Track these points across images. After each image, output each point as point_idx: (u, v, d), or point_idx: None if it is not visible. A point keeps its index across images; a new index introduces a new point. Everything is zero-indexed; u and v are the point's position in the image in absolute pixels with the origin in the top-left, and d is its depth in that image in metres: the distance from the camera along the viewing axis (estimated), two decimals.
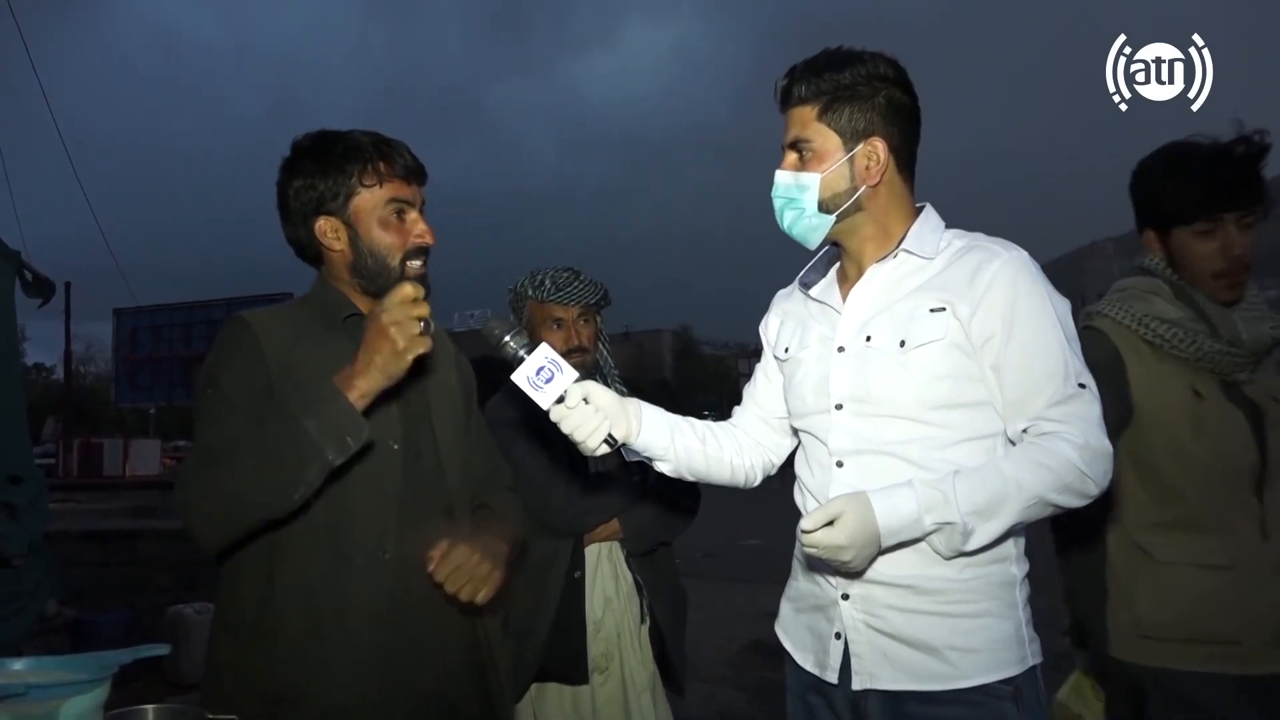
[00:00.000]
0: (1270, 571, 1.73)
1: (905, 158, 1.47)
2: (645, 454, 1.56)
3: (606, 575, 2.31)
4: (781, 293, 1.70)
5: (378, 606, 1.47)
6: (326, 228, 1.57)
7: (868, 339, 1.43)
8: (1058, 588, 1.94)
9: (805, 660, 1.50)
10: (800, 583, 1.55)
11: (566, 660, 2.22)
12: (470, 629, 1.61)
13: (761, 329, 1.71)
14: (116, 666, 1.15)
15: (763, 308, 1.72)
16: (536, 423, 2.10)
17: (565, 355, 1.59)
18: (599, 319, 2.40)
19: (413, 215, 1.58)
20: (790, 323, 1.62)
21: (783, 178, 1.48)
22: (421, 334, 1.38)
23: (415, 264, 1.57)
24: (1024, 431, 1.36)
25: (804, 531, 1.28)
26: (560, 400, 1.47)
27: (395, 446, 1.52)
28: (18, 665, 1.16)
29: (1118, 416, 1.77)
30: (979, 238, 1.45)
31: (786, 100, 1.48)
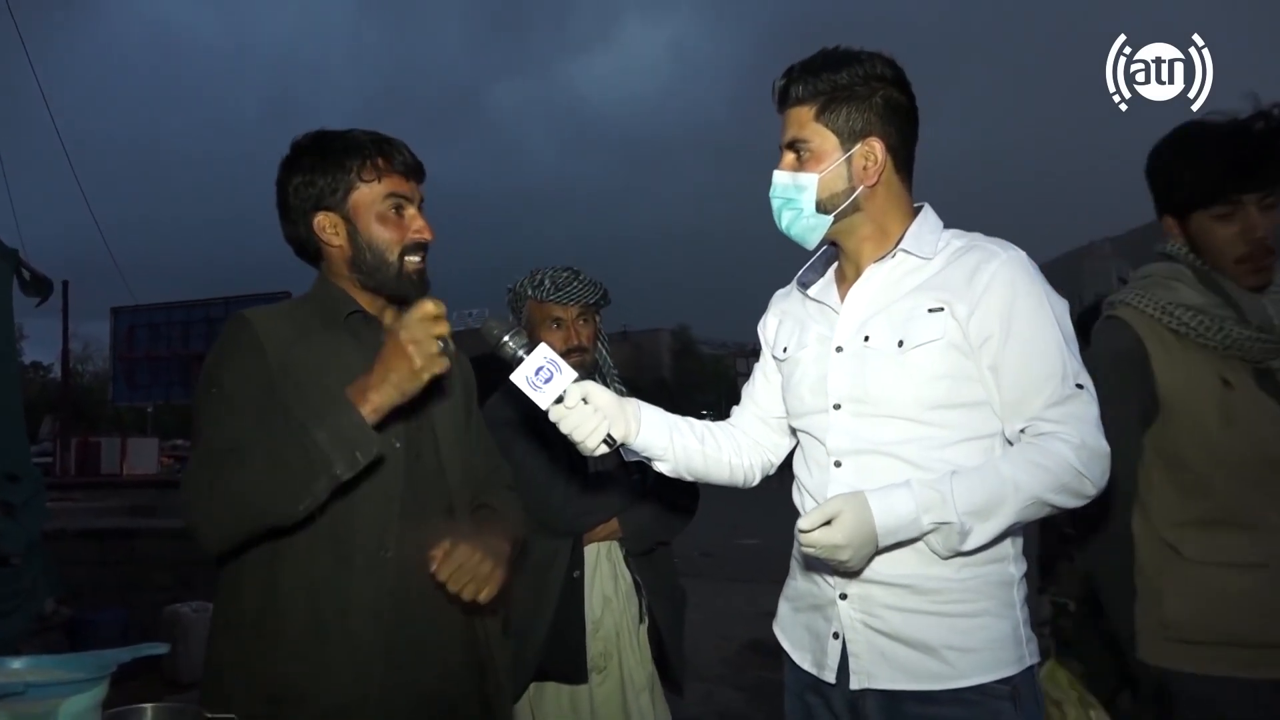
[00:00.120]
0: None
1: (903, 158, 1.47)
2: (644, 454, 1.57)
3: (605, 575, 2.31)
4: (780, 292, 1.70)
5: (379, 606, 1.47)
6: (325, 223, 1.57)
7: (866, 339, 1.43)
8: (1034, 579, 1.92)
9: (803, 660, 1.50)
10: (798, 582, 1.55)
11: (565, 659, 2.22)
12: (469, 628, 1.61)
13: (760, 329, 1.71)
14: (115, 665, 1.15)
15: (761, 307, 1.72)
16: (535, 422, 2.10)
17: (565, 355, 1.59)
18: (598, 318, 2.40)
19: (411, 211, 1.59)
20: (788, 322, 1.62)
21: (780, 178, 1.48)
22: (440, 353, 1.38)
23: (414, 259, 1.58)
24: (1021, 432, 1.36)
25: (801, 531, 1.28)
26: (559, 400, 1.47)
27: (397, 445, 1.52)
28: (16, 664, 1.16)
29: (1143, 409, 1.72)
30: (977, 238, 1.45)
31: (784, 100, 1.48)
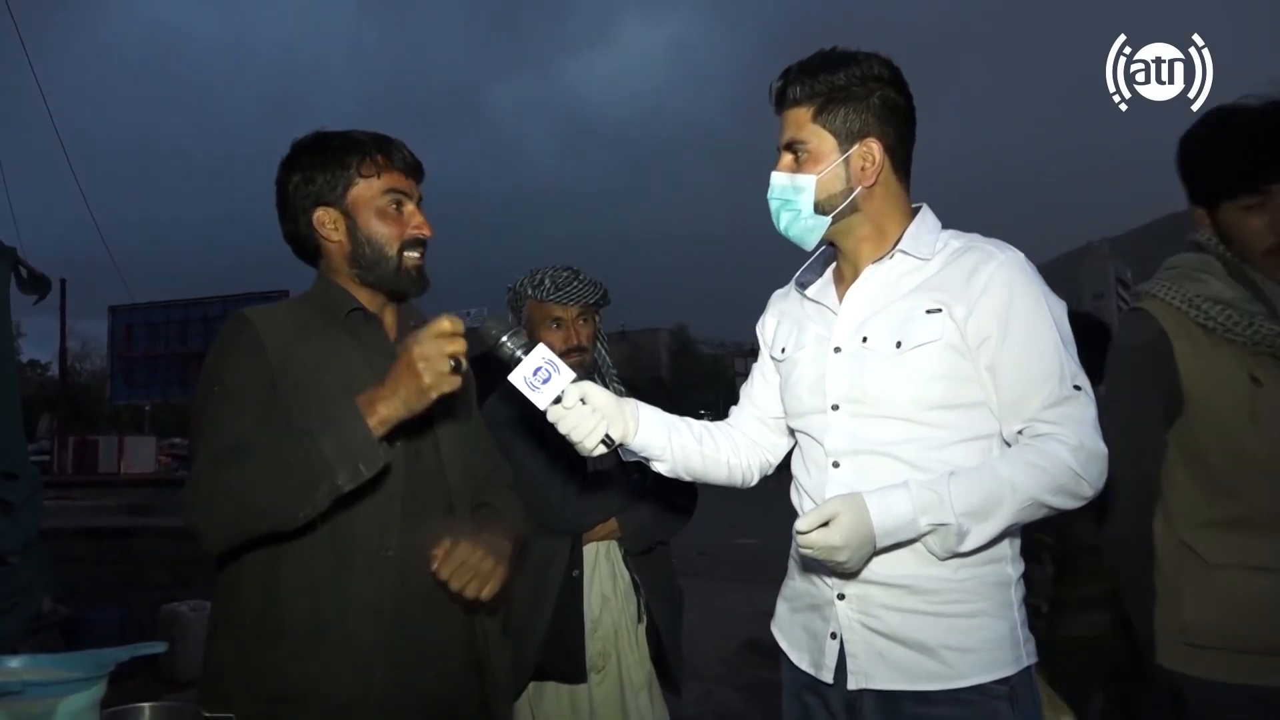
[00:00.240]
0: None
1: (901, 158, 1.47)
2: (642, 454, 1.56)
3: (604, 574, 2.31)
4: (778, 293, 1.70)
5: (379, 605, 1.47)
6: (325, 219, 1.57)
7: (864, 340, 1.43)
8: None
9: (801, 660, 1.51)
10: (796, 582, 1.55)
11: (564, 659, 2.22)
12: (469, 628, 1.61)
13: (758, 329, 1.71)
14: (113, 664, 1.14)
15: (760, 307, 1.72)
16: (534, 422, 2.10)
17: (564, 355, 1.60)
18: (598, 318, 2.40)
19: (410, 207, 1.60)
20: (787, 323, 1.62)
21: (778, 179, 1.48)
22: (452, 372, 1.36)
23: (413, 254, 1.58)
24: (1019, 433, 1.36)
25: (799, 532, 1.28)
26: (557, 401, 1.47)
27: (397, 444, 1.52)
28: (14, 663, 1.16)
29: (1166, 405, 1.68)
30: (975, 238, 1.45)
31: (781, 102, 1.48)
